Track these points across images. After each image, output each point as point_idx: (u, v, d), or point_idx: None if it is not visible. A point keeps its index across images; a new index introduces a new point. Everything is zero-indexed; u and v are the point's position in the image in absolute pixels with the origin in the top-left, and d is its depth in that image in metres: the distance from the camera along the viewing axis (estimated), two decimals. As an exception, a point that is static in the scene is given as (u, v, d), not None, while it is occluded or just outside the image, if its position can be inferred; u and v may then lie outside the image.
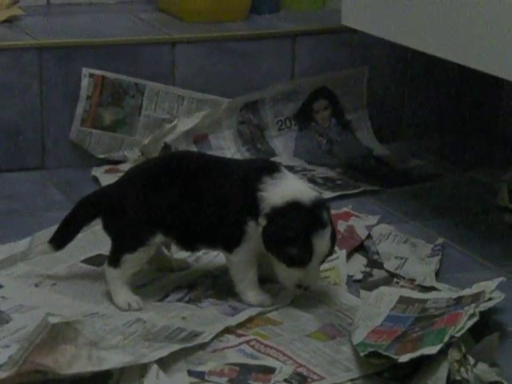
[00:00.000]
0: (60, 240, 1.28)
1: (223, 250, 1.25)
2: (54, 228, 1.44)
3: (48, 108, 1.74)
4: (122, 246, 1.24)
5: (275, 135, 1.86)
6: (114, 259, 1.25)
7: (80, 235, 1.40)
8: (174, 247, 1.32)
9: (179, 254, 1.34)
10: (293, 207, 1.19)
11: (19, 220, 1.53)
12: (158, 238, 1.25)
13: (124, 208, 1.24)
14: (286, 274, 1.21)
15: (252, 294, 1.25)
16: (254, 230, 1.21)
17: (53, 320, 1.04)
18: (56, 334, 1.06)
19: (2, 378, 1.04)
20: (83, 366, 1.06)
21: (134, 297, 1.25)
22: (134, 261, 1.25)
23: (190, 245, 1.27)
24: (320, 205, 1.21)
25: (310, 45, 1.87)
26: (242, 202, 1.21)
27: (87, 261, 1.37)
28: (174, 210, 1.23)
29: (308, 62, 1.87)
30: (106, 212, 1.26)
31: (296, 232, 1.18)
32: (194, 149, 1.78)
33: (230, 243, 1.23)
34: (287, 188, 1.21)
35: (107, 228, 1.26)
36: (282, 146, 1.85)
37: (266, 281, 1.29)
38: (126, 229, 1.24)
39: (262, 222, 1.20)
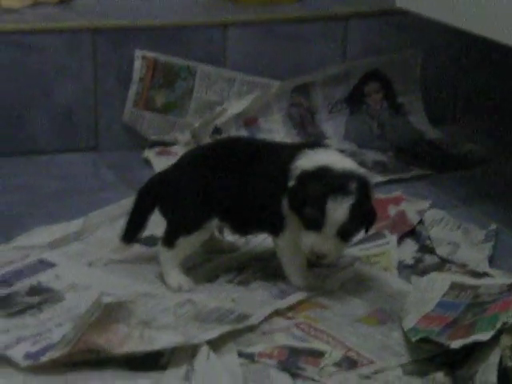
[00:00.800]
0: (130, 235, 1.29)
1: (270, 233, 1.26)
2: (107, 208, 1.46)
3: (101, 90, 1.76)
4: (177, 229, 1.25)
5: (326, 118, 1.85)
6: (169, 240, 1.26)
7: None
8: (225, 230, 1.33)
9: (229, 236, 1.35)
10: (320, 172, 1.18)
11: (72, 200, 1.55)
12: (214, 222, 1.25)
13: (181, 192, 1.25)
14: (303, 237, 1.20)
15: (300, 277, 1.25)
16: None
17: (106, 299, 1.06)
18: (109, 314, 1.07)
19: (55, 356, 1.06)
20: (135, 345, 1.07)
21: (186, 278, 1.26)
22: (189, 243, 1.26)
23: (242, 229, 1.28)
24: (350, 176, 1.19)
25: (362, 27, 1.85)
26: (281, 183, 1.21)
27: (140, 241, 1.38)
28: (228, 195, 1.24)
29: (360, 45, 1.86)
30: (162, 196, 1.27)
31: (314, 192, 1.17)
32: (243, 132, 1.78)
33: (275, 227, 1.24)
34: (322, 156, 1.20)
35: (163, 211, 1.27)
36: (332, 129, 1.84)
37: (314, 265, 1.29)
38: (182, 212, 1.25)
39: (291, 183, 1.20)
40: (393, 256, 1.35)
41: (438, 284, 1.25)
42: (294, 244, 1.23)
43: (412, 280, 1.29)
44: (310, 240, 1.19)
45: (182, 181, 1.26)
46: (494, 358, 1.06)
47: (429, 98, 1.90)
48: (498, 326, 1.08)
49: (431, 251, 1.38)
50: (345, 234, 1.19)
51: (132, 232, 1.29)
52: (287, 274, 1.26)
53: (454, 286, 1.24)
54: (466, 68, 1.93)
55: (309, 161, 1.20)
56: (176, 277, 1.25)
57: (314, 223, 1.18)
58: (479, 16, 1.46)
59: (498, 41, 1.44)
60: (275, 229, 1.24)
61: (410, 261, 1.36)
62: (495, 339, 1.07)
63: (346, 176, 1.18)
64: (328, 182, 1.17)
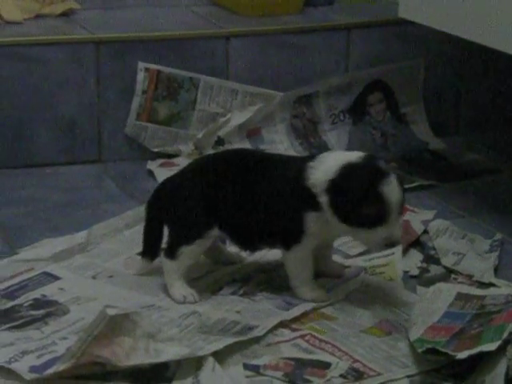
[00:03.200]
0: (150, 250, 1.29)
1: (281, 247, 1.25)
2: (111, 220, 1.46)
3: (104, 102, 1.76)
4: (178, 238, 1.25)
5: (329, 129, 1.85)
6: (171, 251, 1.25)
7: (137, 228, 1.41)
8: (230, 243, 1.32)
9: (234, 247, 1.35)
10: (347, 171, 1.16)
11: (76, 212, 1.55)
12: (214, 232, 1.25)
13: (182, 200, 1.25)
14: (372, 238, 1.16)
15: (307, 289, 1.25)
16: (315, 223, 1.20)
17: (111, 312, 1.05)
18: (114, 326, 1.06)
19: (60, 369, 1.05)
20: (141, 357, 1.07)
21: (190, 290, 1.25)
22: (191, 253, 1.25)
23: (248, 243, 1.27)
24: (371, 158, 1.17)
25: (365, 37, 1.86)
26: (299, 197, 1.20)
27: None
28: (231, 206, 1.24)
29: (362, 55, 1.86)
30: (165, 205, 1.27)
31: (363, 190, 1.14)
32: (247, 142, 1.78)
33: (288, 241, 1.23)
34: (331, 159, 1.19)
35: (166, 220, 1.27)
36: (335, 139, 1.84)
37: (319, 276, 1.29)
38: (183, 220, 1.25)
39: (324, 200, 1.17)
40: (398, 266, 1.35)
41: (443, 294, 1.24)
42: (305, 257, 1.23)
43: (417, 290, 1.29)
44: (381, 235, 1.15)
45: (183, 189, 1.26)
46: (500, 368, 1.05)
47: (432, 108, 1.90)
48: (505, 336, 1.08)
49: (436, 261, 1.37)
50: (402, 209, 1.16)
51: (153, 247, 1.29)
52: (294, 286, 1.25)
53: (459, 297, 1.23)
54: (469, 78, 1.93)
55: (323, 172, 1.17)
56: (180, 288, 1.25)
57: (379, 217, 1.14)
58: (481, 26, 1.47)
59: (501, 50, 1.44)
60: (288, 242, 1.23)
61: (415, 271, 1.36)
62: (502, 349, 1.07)
63: (369, 160, 1.16)
64: (372, 171, 1.14)
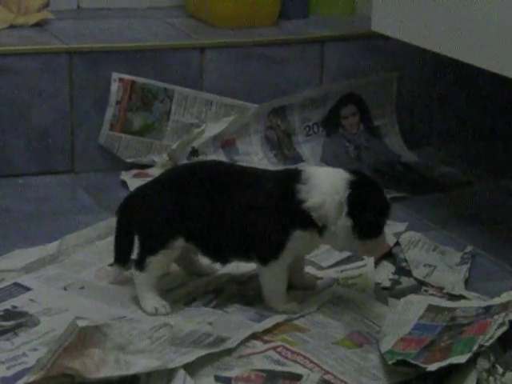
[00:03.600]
0: (122, 258, 1.29)
1: (257, 262, 1.24)
2: (83, 231, 1.45)
3: (77, 112, 1.75)
4: (145, 249, 1.25)
5: (303, 141, 1.85)
6: (140, 263, 1.25)
7: (109, 239, 1.40)
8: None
9: (206, 259, 1.35)
10: (358, 189, 1.20)
11: (48, 223, 1.54)
12: (179, 243, 1.24)
13: (149, 210, 1.25)
14: (377, 246, 1.23)
15: (279, 301, 1.25)
16: (299, 240, 1.21)
17: (81, 323, 1.05)
18: (84, 338, 1.06)
19: (30, 381, 1.05)
20: (111, 370, 1.06)
21: (162, 301, 1.25)
22: (158, 264, 1.25)
23: (219, 255, 1.26)
24: (360, 172, 1.25)
25: (339, 50, 1.87)
26: (286, 215, 1.20)
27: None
28: (200, 217, 1.23)
29: (336, 68, 1.87)
30: (135, 214, 1.27)
31: (380, 203, 1.22)
32: (221, 153, 1.78)
33: (266, 256, 1.23)
34: (325, 180, 1.21)
35: (136, 229, 1.27)
36: (309, 151, 1.85)
37: (292, 287, 1.29)
38: (149, 230, 1.25)
39: (346, 222, 1.19)
40: (370, 278, 1.35)
41: (414, 306, 1.25)
42: (281, 271, 1.23)
43: (389, 302, 1.29)
44: (379, 244, 1.23)
45: (151, 199, 1.26)
46: (471, 381, 1.06)
47: (404, 121, 1.91)
48: (475, 348, 1.08)
49: (408, 273, 1.38)
50: None
51: (124, 254, 1.28)
52: (267, 298, 1.25)
53: (430, 309, 1.24)
54: (441, 91, 1.95)
55: (327, 187, 1.20)
56: (152, 300, 1.25)
57: (380, 226, 1.21)
58: (453, 40, 1.48)
59: (473, 64, 1.46)
60: (266, 257, 1.22)
61: (386, 283, 1.36)
62: (472, 362, 1.07)
63: (364, 174, 1.25)
64: (376, 184, 1.22)
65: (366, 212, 1.19)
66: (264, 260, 1.23)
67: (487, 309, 1.21)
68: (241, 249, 1.24)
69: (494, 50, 1.39)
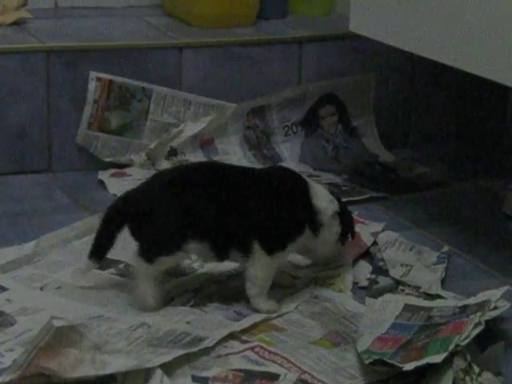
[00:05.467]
0: (98, 253, 1.27)
1: (262, 248, 1.25)
2: (60, 231, 1.45)
3: (55, 111, 1.74)
4: (158, 247, 1.24)
5: (281, 141, 1.86)
6: (149, 256, 1.24)
7: (86, 239, 1.40)
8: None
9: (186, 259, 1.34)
10: (339, 199, 1.35)
11: (25, 223, 1.53)
12: (194, 244, 1.24)
13: (158, 214, 1.23)
14: (337, 246, 1.34)
15: (262, 299, 1.26)
16: (304, 237, 1.28)
17: (57, 323, 1.04)
18: (60, 338, 1.06)
19: (6, 381, 1.04)
20: (87, 369, 1.06)
21: (160, 293, 1.26)
22: (169, 263, 1.26)
23: (222, 251, 1.26)
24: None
25: (317, 51, 1.87)
26: (301, 213, 1.27)
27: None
28: (210, 216, 1.24)
29: (315, 68, 1.87)
30: (134, 216, 1.25)
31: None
32: (200, 153, 1.78)
33: (275, 244, 1.26)
34: (321, 192, 1.31)
35: (134, 231, 1.26)
36: (288, 151, 1.85)
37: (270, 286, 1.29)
38: (160, 234, 1.24)
39: (338, 229, 1.32)
40: (348, 278, 1.36)
41: (391, 306, 1.25)
42: (277, 266, 1.27)
43: (366, 302, 1.30)
44: (340, 246, 1.34)
45: (155, 203, 1.24)
46: (447, 381, 1.07)
47: (382, 122, 1.92)
48: (451, 348, 1.09)
49: (385, 273, 1.39)
50: None
51: (101, 249, 1.27)
52: (253, 296, 1.26)
53: (407, 308, 1.25)
54: (419, 92, 1.96)
55: (321, 189, 1.31)
56: (148, 290, 1.24)
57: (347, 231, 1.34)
58: (430, 41, 1.49)
59: (449, 65, 1.47)
60: (273, 247, 1.25)
61: (364, 282, 1.37)
62: (448, 361, 1.08)
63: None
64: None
65: (350, 221, 1.34)
66: (270, 249, 1.25)
67: (463, 308, 1.22)
68: (247, 238, 1.25)
69: (470, 50, 1.40)
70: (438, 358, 1.08)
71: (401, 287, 1.35)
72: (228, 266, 1.32)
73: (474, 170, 1.84)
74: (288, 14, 2.02)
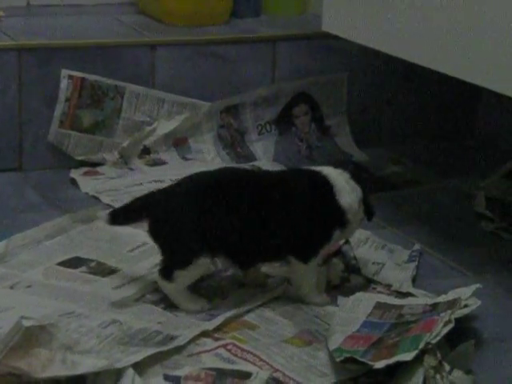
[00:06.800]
0: (117, 219, 1.24)
1: (297, 259, 1.27)
2: (30, 231, 1.44)
3: (26, 109, 1.73)
4: (173, 262, 1.24)
5: (255, 139, 1.86)
6: (168, 273, 1.24)
7: (57, 239, 1.39)
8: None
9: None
10: (361, 184, 1.34)
11: (-5, 221, 1.52)
12: (209, 258, 1.23)
13: (177, 224, 1.22)
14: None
15: (315, 295, 1.29)
16: (335, 238, 1.30)
17: (27, 323, 1.04)
18: (30, 337, 1.05)
19: (-25, 380, 1.03)
20: (57, 369, 1.05)
21: (199, 298, 1.26)
22: (187, 276, 1.24)
23: (249, 261, 1.27)
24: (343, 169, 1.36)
25: (291, 50, 1.87)
26: (329, 216, 1.28)
27: (63, 263, 1.36)
28: (236, 228, 1.23)
29: (288, 67, 1.88)
30: (155, 219, 1.24)
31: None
32: (173, 152, 1.78)
33: (309, 254, 1.27)
34: (342, 180, 1.30)
35: (154, 235, 1.24)
36: (261, 150, 1.85)
37: (242, 285, 1.30)
38: (176, 245, 1.23)
39: (362, 216, 1.32)
40: (320, 276, 1.36)
41: (363, 304, 1.26)
42: (313, 267, 1.29)
43: (338, 300, 1.30)
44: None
45: (179, 214, 1.22)
46: (417, 378, 1.07)
47: (355, 121, 1.93)
48: (421, 346, 1.09)
49: (357, 271, 1.39)
50: None
51: (123, 218, 1.24)
52: (304, 296, 1.28)
53: (378, 306, 1.25)
54: (391, 91, 1.97)
55: (349, 188, 1.30)
56: (190, 302, 1.25)
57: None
58: (402, 40, 1.50)
59: (421, 65, 1.48)
60: (308, 256, 1.27)
61: (336, 281, 1.37)
62: (419, 359, 1.08)
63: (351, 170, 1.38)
64: (361, 177, 1.38)
65: (370, 203, 1.32)
66: (306, 258, 1.27)
67: (434, 306, 1.23)
68: (277, 251, 1.26)
69: (442, 50, 1.41)
70: (408, 356, 1.08)
71: (373, 285, 1.35)
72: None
73: (446, 169, 1.85)
74: (261, 12, 2.02)
